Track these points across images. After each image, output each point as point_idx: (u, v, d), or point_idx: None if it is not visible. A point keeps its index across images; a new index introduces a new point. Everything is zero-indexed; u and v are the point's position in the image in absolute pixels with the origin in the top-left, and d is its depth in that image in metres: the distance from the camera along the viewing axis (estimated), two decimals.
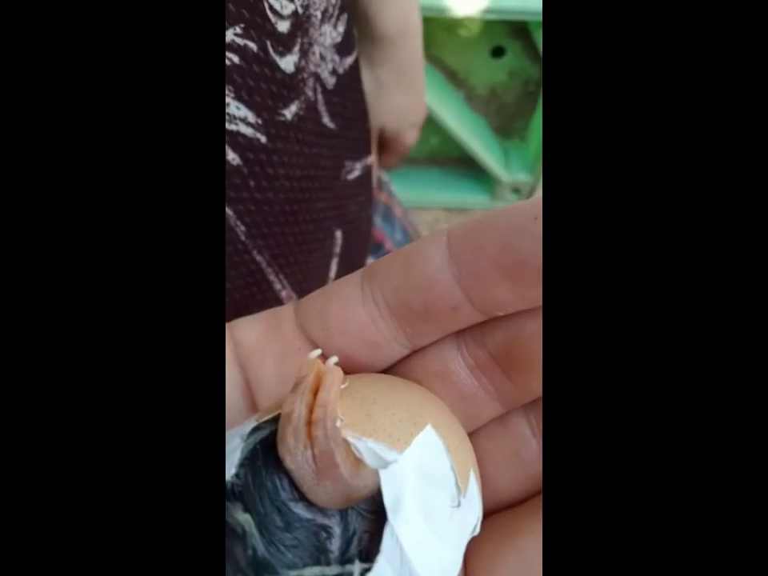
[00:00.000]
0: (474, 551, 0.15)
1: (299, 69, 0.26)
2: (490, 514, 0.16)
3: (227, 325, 0.18)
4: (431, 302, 0.14)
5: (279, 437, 0.12)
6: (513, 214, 0.13)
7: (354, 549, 0.12)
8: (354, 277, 0.16)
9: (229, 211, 0.25)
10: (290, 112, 0.27)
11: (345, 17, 0.29)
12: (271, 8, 0.24)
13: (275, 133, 0.26)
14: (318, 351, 0.14)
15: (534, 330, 0.14)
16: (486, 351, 0.15)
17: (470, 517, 0.14)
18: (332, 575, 0.12)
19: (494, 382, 0.15)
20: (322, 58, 0.29)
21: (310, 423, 0.12)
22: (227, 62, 0.23)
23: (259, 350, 0.17)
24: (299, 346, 0.17)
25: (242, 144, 0.25)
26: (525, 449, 0.16)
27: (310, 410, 0.12)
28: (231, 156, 0.25)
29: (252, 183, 0.26)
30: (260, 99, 0.25)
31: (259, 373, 0.17)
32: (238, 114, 0.24)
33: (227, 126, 0.24)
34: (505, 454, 0.15)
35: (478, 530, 0.14)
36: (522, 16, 0.51)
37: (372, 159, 0.36)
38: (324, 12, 0.28)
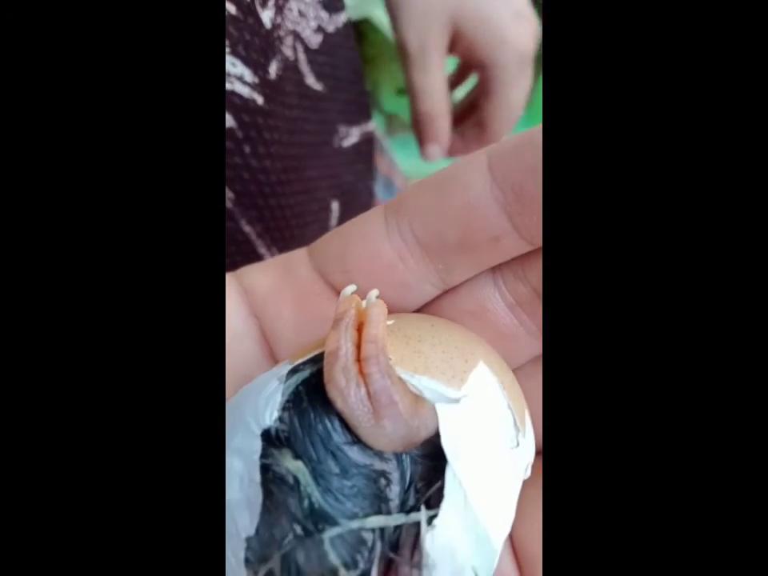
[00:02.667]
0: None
1: (275, 25, 0.25)
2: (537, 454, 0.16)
3: (235, 273, 0.17)
4: (469, 233, 0.14)
5: (327, 377, 0.11)
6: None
7: (412, 497, 0.12)
8: (376, 212, 0.15)
9: None
10: (272, 70, 0.25)
11: None
12: None
13: (269, 93, 0.25)
14: (354, 287, 0.13)
15: None
16: (528, 286, 0.14)
17: (526, 458, 0.13)
18: (396, 525, 0.11)
19: (536, 319, 0.15)
20: (302, 14, 0.28)
21: (359, 360, 0.11)
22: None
23: (273, 297, 0.16)
24: (317, 291, 0.16)
25: (238, 105, 0.24)
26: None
27: (358, 347, 0.12)
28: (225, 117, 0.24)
29: (247, 149, 0.25)
30: (255, 56, 0.24)
31: (275, 321, 0.16)
32: (234, 71, 0.23)
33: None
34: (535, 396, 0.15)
35: (529, 471, 0.14)
36: None
37: (373, 125, 0.35)
38: None
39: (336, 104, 0.31)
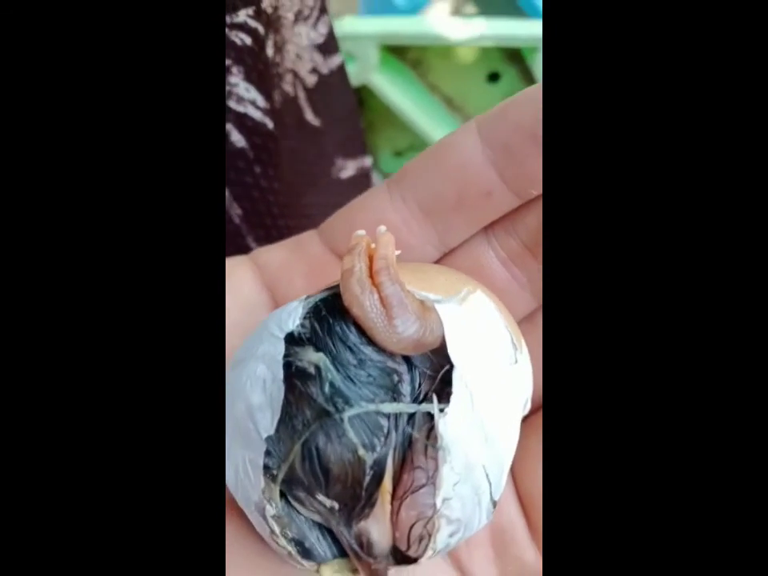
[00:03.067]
0: (521, 444, 0.16)
1: (274, 63, 0.28)
2: (535, 408, 0.17)
3: (248, 255, 0.19)
4: (464, 191, 0.15)
5: (343, 288, 0.13)
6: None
7: (423, 395, 0.13)
8: (380, 186, 0.17)
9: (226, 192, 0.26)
10: (276, 101, 0.28)
11: (326, 18, 0.32)
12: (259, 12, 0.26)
13: (279, 120, 0.27)
14: (363, 231, 0.15)
15: None
16: (518, 240, 0.16)
17: (525, 382, 0.14)
18: (410, 413, 0.12)
19: (526, 272, 0.16)
20: (299, 56, 0.31)
21: (371, 276, 0.13)
22: (239, 42, 0.24)
23: (286, 270, 0.18)
24: (328, 262, 0.17)
25: (249, 127, 0.26)
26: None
27: (370, 267, 0.13)
28: (236, 137, 0.26)
29: (258, 169, 0.27)
30: (269, 83, 0.26)
31: (288, 291, 0.17)
32: (248, 96, 0.25)
33: (235, 107, 0.25)
34: (539, 348, 0.16)
35: (528, 407, 0.15)
36: (516, 42, 0.56)
37: (369, 161, 0.38)
38: (297, 14, 0.30)
39: (333, 138, 0.33)
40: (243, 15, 0.24)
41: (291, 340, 0.12)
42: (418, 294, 0.13)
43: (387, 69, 0.58)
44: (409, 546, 0.13)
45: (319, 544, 0.13)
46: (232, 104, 0.25)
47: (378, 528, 0.12)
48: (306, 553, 0.13)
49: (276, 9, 0.28)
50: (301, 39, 0.30)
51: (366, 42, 0.57)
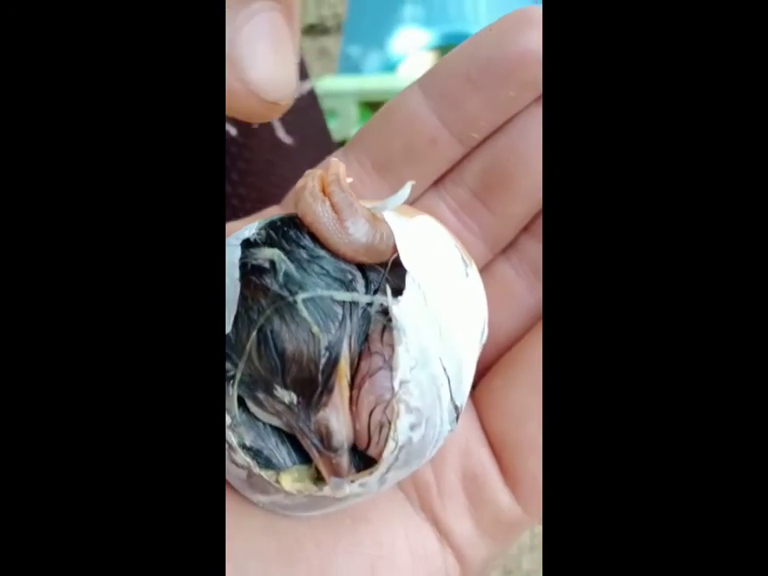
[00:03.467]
0: (486, 387, 0.16)
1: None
2: (496, 356, 0.17)
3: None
4: (412, 141, 0.16)
5: (296, 200, 0.13)
6: (473, 37, 0.15)
7: (377, 295, 0.13)
8: (337, 152, 0.18)
9: None
10: None
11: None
12: None
13: (245, 130, 0.28)
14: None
15: (506, 148, 0.16)
16: (466, 188, 0.17)
17: (479, 299, 0.14)
18: (364, 302, 0.12)
19: (477, 220, 0.17)
20: None
21: (323, 190, 0.13)
22: None
23: None
24: None
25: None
26: (513, 287, 0.17)
27: (322, 182, 0.13)
28: (228, 126, 0.26)
29: (247, 154, 0.27)
30: None
31: None
32: None
33: None
34: (497, 296, 0.16)
35: (485, 334, 0.15)
36: None
37: None
38: None
39: (305, 156, 0.34)
40: None
41: (247, 244, 0.13)
42: (368, 205, 0.14)
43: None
44: (369, 438, 0.12)
45: (278, 451, 0.13)
46: None
47: (336, 416, 0.12)
48: (264, 462, 0.13)
49: None
50: None
51: (345, 98, 0.60)
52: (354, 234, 0.12)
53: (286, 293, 0.12)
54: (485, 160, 0.16)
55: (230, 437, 0.12)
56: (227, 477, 0.14)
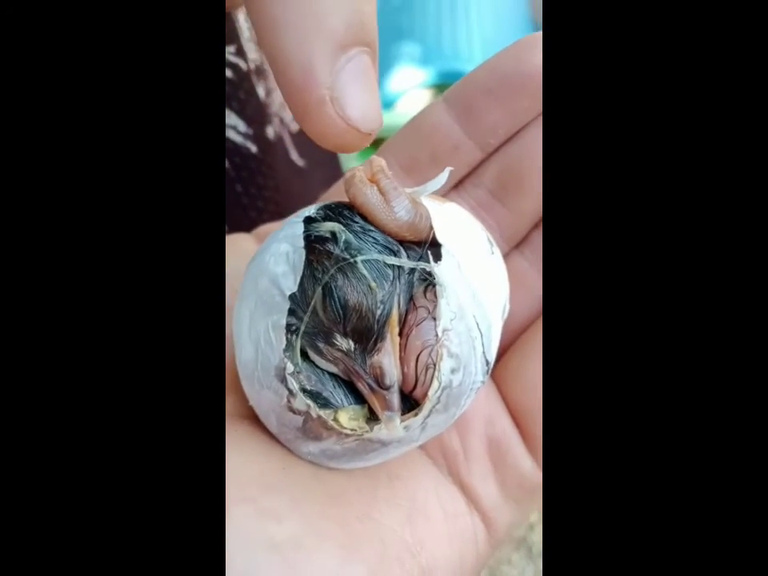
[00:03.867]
0: (504, 365, 0.18)
1: (265, 104, 0.31)
2: (513, 339, 0.18)
3: (251, 233, 0.21)
4: (436, 148, 0.18)
5: (347, 186, 0.15)
6: (491, 58, 0.18)
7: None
8: (367, 160, 0.19)
9: None
10: (269, 133, 0.30)
11: None
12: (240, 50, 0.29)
13: (264, 147, 0.29)
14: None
15: (521, 153, 0.18)
16: (484, 189, 0.19)
17: (502, 276, 0.16)
18: (409, 267, 0.14)
19: (494, 216, 0.19)
20: (284, 105, 0.34)
21: (370, 178, 0.15)
22: None
23: None
24: None
25: (230, 149, 0.28)
26: (526, 277, 0.19)
27: (368, 172, 0.15)
28: None
29: (239, 188, 0.28)
30: (250, 113, 0.28)
31: None
32: (229, 121, 0.27)
33: None
34: (512, 285, 0.17)
35: (507, 310, 0.16)
36: None
37: None
38: None
39: (315, 177, 0.36)
40: (226, 52, 0.27)
41: (309, 221, 0.14)
42: (408, 190, 0.16)
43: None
44: (416, 380, 0.14)
45: (335, 392, 0.15)
46: None
47: (388, 360, 0.14)
48: (323, 403, 0.14)
49: (263, 62, 0.31)
50: None
51: None
52: (399, 212, 0.14)
53: (347, 255, 0.14)
54: (501, 163, 0.18)
55: (292, 383, 0.14)
56: (278, 432, 0.15)
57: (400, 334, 0.14)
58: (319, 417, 0.14)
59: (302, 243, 0.14)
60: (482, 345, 0.14)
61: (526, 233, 0.19)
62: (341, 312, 0.14)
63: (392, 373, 0.14)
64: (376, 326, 0.14)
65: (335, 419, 0.14)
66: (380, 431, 0.14)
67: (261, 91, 0.30)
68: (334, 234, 0.14)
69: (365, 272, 0.14)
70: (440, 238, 0.14)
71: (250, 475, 0.14)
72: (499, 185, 0.18)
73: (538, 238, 0.19)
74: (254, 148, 0.29)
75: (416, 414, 0.14)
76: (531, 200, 0.18)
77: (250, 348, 0.15)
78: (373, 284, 0.14)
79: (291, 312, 0.14)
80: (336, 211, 0.15)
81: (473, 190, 0.19)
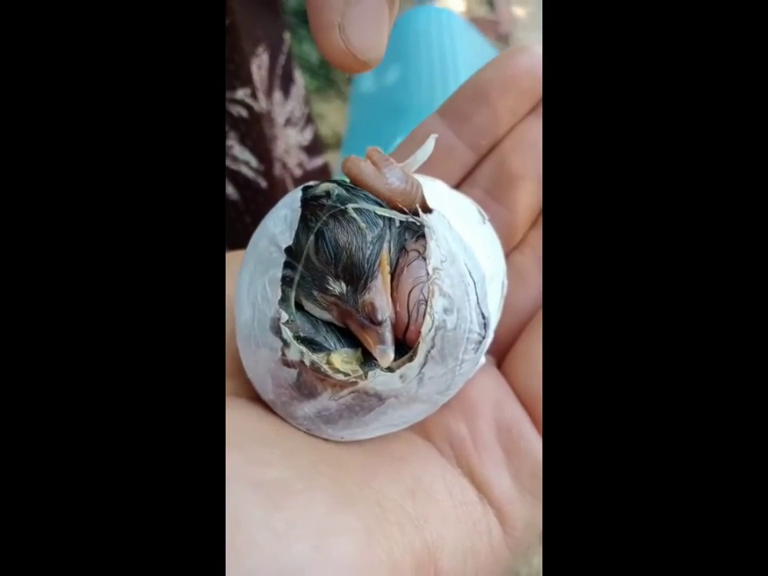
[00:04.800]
0: (511, 355, 0.18)
1: (268, 149, 0.33)
2: (518, 331, 0.18)
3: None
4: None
5: (343, 165, 0.16)
6: (478, 71, 0.19)
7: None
8: None
9: None
10: (275, 172, 0.32)
11: (312, 126, 0.38)
12: (254, 93, 0.32)
13: (272, 183, 0.31)
14: None
15: (512, 151, 0.19)
16: (480, 189, 0.20)
17: (496, 246, 0.17)
18: (399, 219, 0.15)
19: (492, 213, 0.19)
20: (287, 152, 0.36)
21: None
22: (235, 114, 0.29)
23: None
24: None
25: (242, 183, 0.30)
26: (526, 273, 0.19)
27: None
28: (230, 191, 0.29)
29: (248, 219, 0.30)
30: (263, 151, 0.31)
31: None
32: (242, 157, 0.30)
33: (230, 164, 0.29)
34: (513, 280, 0.18)
35: (506, 287, 0.17)
36: None
37: None
38: (287, 119, 0.36)
39: None
40: (241, 94, 0.29)
41: (306, 188, 0.15)
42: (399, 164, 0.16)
43: None
44: (409, 317, 0.14)
45: (329, 337, 0.15)
46: (228, 162, 0.30)
47: (380, 297, 0.14)
48: (317, 347, 0.15)
49: (270, 112, 0.34)
50: (289, 138, 0.36)
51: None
52: (391, 178, 0.15)
53: (338, 204, 0.14)
54: (494, 163, 0.19)
55: (286, 332, 0.14)
56: (274, 397, 0.15)
57: (392, 276, 0.14)
58: (312, 363, 0.14)
59: (298, 204, 0.14)
60: (476, 294, 0.14)
61: (525, 230, 0.19)
62: (332, 253, 0.14)
63: (383, 308, 0.14)
64: (366, 265, 0.14)
65: (328, 362, 0.14)
66: (375, 378, 0.14)
67: (267, 136, 0.33)
68: (328, 192, 0.15)
69: (355, 215, 0.14)
70: (430, 203, 0.15)
71: (239, 429, 0.14)
72: (494, 183, 0.19)
73: (534, 237, 0.19)
74: (263, 183, 0.31)
75: (411, 359, 0.14)
76: (527, 195, 0.19)
77: (247, 309, 0.15)
78: (363, 225, 0.14)
79: (287, 265, 0.14)
80: (333, 180, 0.15)
81: (469, 190, 0.20)
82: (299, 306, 0.15)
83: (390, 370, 0.14)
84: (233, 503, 0.12)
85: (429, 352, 0.14)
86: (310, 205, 0.15)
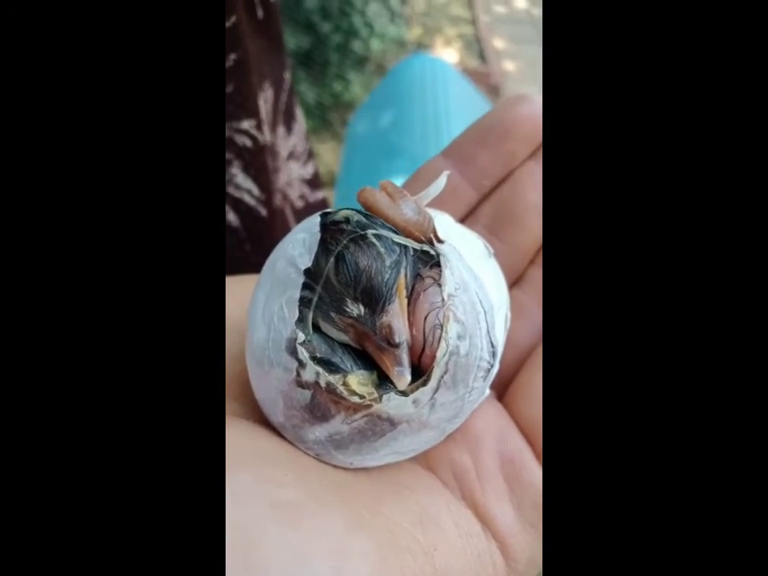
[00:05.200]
0: (512, 388, 0.18)
1: (270, 180, 0.34)
2: (519, 364, 0.19)
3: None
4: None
5: (359, 195, 0.16)
6: (483, 115, 0.20)
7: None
8: None
9: None
10: (275, 202, 0.33)
11: (314, 161, 0.39)
12: (259, 125, 0.32)
13: (272, 213, 0.32)
14: None
15: (513, 191, 0.20)
16: (481, 226, 0.20)
17: (501, 281, 0.17)
18: (414, 248, 0.15)
19: (492, 247, 0.20)
20: (289, 184, 0.37)
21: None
22: (240, 143, 0.30)
23: None
24: None
25: (243, 210, 0.30)
26: (525, 308, 0.20)
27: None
28: (231, 218, 0.30)
29: (249, 247, 0.30)
30: (265, 181, 0.31)
31: None
32: (244, 185, 0.30)
33: (233, 192, 0.30)
34: (513, 315, 0.19)
35: (509, 320, 0.18)
36: None
37: None
38: (290, 153, 0.37)
39: None
40: (247, 125, 0.30)
41: (326, 215, 0.16)
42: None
43: None
44: (425, 340, 0.14)
45: (345, 358, 0.15)
46: (230, 190, 0.30)
47: (398, 320, 0.14)
48: (333, 369, 0.15)
49: (273, 144, 0.35)
50: (292, 172, 0.37)
51: None
52: (405, 209, 0.16)
53: (359, 230, 0.15)
54: (495, 202, 0.20)
55: (302, 352, 0.14)
56: (284, 420, 0.15)
57: (408, 301, 0.15)
58: (328, 385, 0.14)
59: (317, 228, 0.15)
60: (486, 322, 0.15)
61: (524, 267, 0.20)
62: (352, 275, 0.14)
63: (401, 330, 0.14)
64: (384, 288, 0.14)
65: (344, 384, 0.14)
66: (389, 401, 0.14)
67: (270, 167, 0.33)
68: (347, 218, 0.15)
69: (375, 241, 0.15)
70: (441, 234, 0.15)
71: (250, 450, 0.14)
72: (495, 221, 0.20)
73: (534, 275, 0.20)
74: (264, 212, 0.31)
75: (425, 383, 0.14)
76: (525, 233, 0.20)
77: (262, 328, 0.15)
78: (382, 250, 0.15)
79: (305, 287, 0.15)
80: (350, 208, 0.16)
81: (470, 226, 0.20)
82: (316, 328, 0.15)
83: (404, 393, 0.14)
84: (247, 522, 0.12)
85: (442, 377, 0.14)
86: (330, 229, 0.15)
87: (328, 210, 0.16)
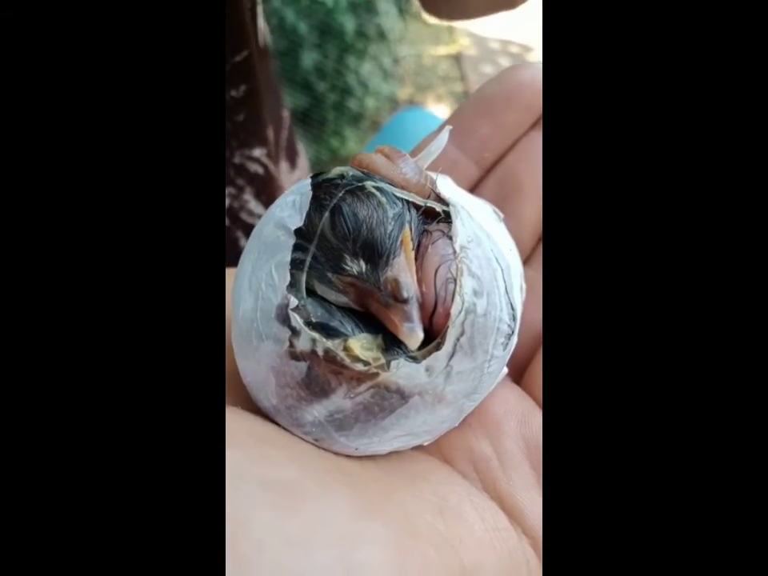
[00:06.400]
0: (531, 370, 0.17)
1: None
2: (535, 345, 0.17)
3: None
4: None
5: (353, 160, 0.15)
6: (481, 85, 0.19)
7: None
8: None
9: None
10: None
11: None
12: (270, 154, 0.33)
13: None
14: None
15: (516, 163, 0.19)
16: (485, 200, 0.19)
17: (512, 244, 0.16)
18: (418, 203, 0.14)
19: None
20: None
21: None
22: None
23: None
24: None
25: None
26: (537, 286, 0.18)
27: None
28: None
29: None
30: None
31: None
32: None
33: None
34: (527, 294, 0.17)
35: (524, 290, 0.16)
36: None
37: None
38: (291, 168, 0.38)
39: None
40: (258, 153, 0.31)
41: (317, 174, 0.14)
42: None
43: None
44: (437, 296, 0.12)
45: (345, 321, 0.13)
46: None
47: (405, 273, 0.13)
48: (331, 333, 0.13)
49: (277, 179, 0.36)
50: None
51: None
52: (404, 168, 0.14)
53: (355, 182, 0.13)
54: (498, 175, 0.19)
55: (295, 318, 0.12)
56: (278, 402, 0.13)
57: (415, 255, 0.13)
58: (327, 352, 0.12)
59: (309, 189, 0.13)
60: (504, 281, 0.13)
61: (533, 244, 0.19)
62: (350, 228, 0.13)
63: (409, 284, 0.12)
64: (388, 241, 0.13)
65: (345, 349, 0.12)
66: (398, 369, 0.12)
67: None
68: (342, 174, 0.14)
69: (374, 191, 0.13)
70: (446, 196, 0.14)
71: (241, 430, 0.12)
72: (499, 195, 0.19)
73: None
74: None
75: (438, 347, 0.12)
76: (531, 206, 0.18)
77: (249, 299, 0.13)
78: (383, 199, 0.13)
79: (297, 248, 0.13)
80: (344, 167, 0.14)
81: None
82: (310, 292, 0.13)
83: (415, 359, 0.12)
84: (236, 504, 0.10)
85: (458, 340, 0.12)
86: (323, 186, 0.13)
87: (319, 171, 0.14)
